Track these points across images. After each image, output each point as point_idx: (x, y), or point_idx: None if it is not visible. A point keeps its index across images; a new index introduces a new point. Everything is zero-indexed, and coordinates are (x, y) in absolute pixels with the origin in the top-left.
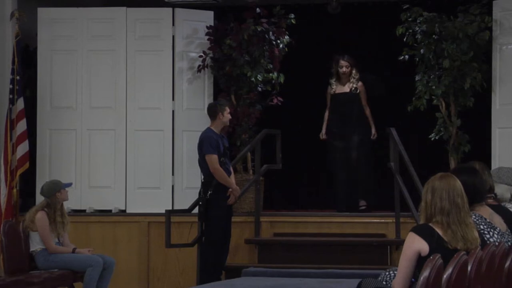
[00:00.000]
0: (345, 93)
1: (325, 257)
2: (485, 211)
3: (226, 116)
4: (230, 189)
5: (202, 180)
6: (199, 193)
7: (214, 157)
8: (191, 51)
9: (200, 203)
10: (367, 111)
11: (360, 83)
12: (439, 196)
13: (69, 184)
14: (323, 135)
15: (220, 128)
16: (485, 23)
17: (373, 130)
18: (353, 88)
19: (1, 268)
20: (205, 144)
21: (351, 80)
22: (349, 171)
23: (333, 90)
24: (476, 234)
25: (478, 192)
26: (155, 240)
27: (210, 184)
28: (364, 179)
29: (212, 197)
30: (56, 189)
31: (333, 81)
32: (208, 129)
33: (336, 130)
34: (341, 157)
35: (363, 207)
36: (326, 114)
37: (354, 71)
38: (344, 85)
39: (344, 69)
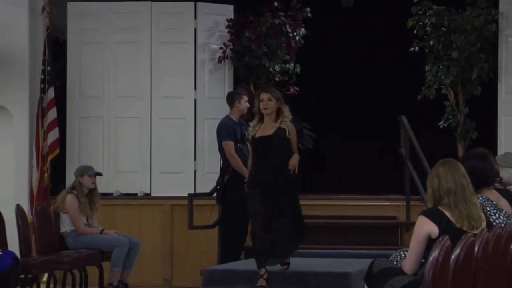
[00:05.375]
0: (269, 136)
1: (338, 238)
2: (492, 194)
3: (243, 104)
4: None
5: (221, 165)
6: (218, 178)
7: (230, 143)
8: (212, 43)
9: (218, 187)
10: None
11: (291, 125)
12: (445, 179)
13: (94, 172)
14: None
15: (237, 116)
16: (491, 16)
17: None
18: (278, 130)
19: (33, 248)
20: (222, 131)
21: (279, 120)
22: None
23: (254, 132)
24: (481, 213)
25: (487, 176)
26: (178, 222)
27: (228, 169)
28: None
29: (229, 182)
30: (79, 173)
31: (254, 122)
32: (226, 116)
33: (259, 184)
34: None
35: (285, 266)
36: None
37: (285, 109)
38: (268, 125)
39: (265, 102)
